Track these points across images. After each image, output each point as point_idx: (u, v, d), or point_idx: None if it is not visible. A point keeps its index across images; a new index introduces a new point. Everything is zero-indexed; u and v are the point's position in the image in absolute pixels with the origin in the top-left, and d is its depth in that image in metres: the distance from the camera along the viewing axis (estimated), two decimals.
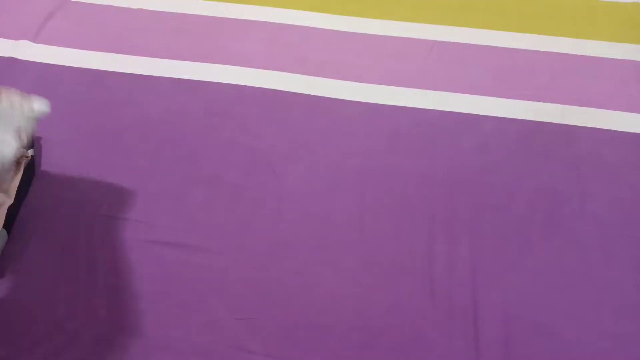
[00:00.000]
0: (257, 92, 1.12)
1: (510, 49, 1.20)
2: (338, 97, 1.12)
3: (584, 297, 0.86)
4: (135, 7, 1.28)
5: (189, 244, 0.91)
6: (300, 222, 0.94)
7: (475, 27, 1.25)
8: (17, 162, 0.93)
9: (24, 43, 1.20)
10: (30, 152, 0.98)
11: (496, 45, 1.21)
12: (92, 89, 1.13)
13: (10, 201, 0.91)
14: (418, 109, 1.10)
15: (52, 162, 1.02)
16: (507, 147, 1.04)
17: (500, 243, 0.92)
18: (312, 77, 1.15)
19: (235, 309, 0.86)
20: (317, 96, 1.12)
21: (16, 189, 0.92)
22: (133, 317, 0.85)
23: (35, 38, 1.21)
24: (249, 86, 1.13)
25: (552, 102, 1.10)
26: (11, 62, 1.16)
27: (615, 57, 1.18)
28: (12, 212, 0.92)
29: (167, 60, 1.18)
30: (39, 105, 0.86)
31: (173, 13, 1.27)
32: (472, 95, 1.12)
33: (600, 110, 1.09)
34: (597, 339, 0.82)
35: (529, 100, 1.11)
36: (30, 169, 0.97)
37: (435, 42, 1.22)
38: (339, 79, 1.15)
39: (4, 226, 0.89)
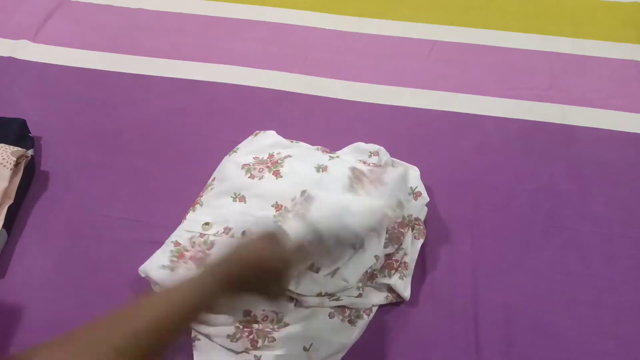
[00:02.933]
0: (257, 92, 1.12)
1: (510, 48, 1.20)
2: (338, 97, 1.12)
3: (585, 297, 0.86)
4: (135, 7, 1.28)
5: None
6: None
7: (475, 27, 1.25)
8: (17, 163, 0.93)
9: (24, 43, 1.20)
10: (30, 152, 0.98)
11: (496, 45, 1.21)
12: (92, 89, 1.13)
13: (10, 201, 0.91)
14: (418, 108, 1.10)
15: (52, 162, 1.02)
16: (507, 147, 1.04)
17: (500, 243, 0.91)
18: (312, 77, 1.15)
19: None
20: (317, 96, 1.12)
21: (16, 189, 0.92)
22: None
23: (35, 38, 1.21)
24: (249, 86, 1.13)
25: (552, 102, 1.10)
26: (10, 61, 1.16)
27: (615, 57, 1.18)
28: (12, 212, 0.92)
29: (167, 60, 1.18)
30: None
31: (173, 13, 1.27)
32: (472, 95, 1.12)
33: (600, 110, 1.09)
34: (597, 340, 0.82)
35: (529, 100, 1.11)
36: (30, 169, 0.97)
37: (435, 42, 1.22)
38: (339, 78, 1.15)
39: (4, 226, 0.89)
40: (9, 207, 0.90)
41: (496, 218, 0.94)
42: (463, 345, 0.81)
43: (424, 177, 0.95)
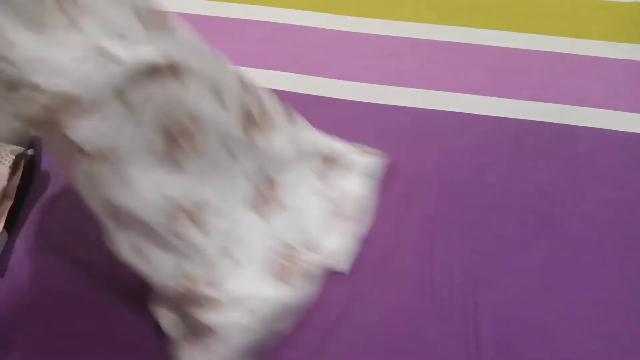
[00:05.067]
0: None
1: (509, 48, 1.20)
2: (337, 96, 1.12)
3: (580, 297, 0.86)
4: None
5: None
6: None
7: (475, 27, 1.25)
8: (17, 162, 0.93)
9: None
10: (30, 151, 0.98)
11: (496, 45, 1.21)
12: None
13: (11, 202, 0.91)
14: (417, 108, 1.10)
15: (52, 162, 1.01)
16: (507, 146, 1.04)
17: (499, 243, 0.92)
18: (312, 77, 1.15)
19: None
20: (317, 96, 1.12)
21: (16, 189, 0.92)
22: (133, 317, 0.85)
23: None
24: None
25: (551, 102, 1.10)
26: None
27: (615, 57, 1.18)
28: (13, 212, 0.92)
29: None
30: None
31: (172, 13, 1.27)
32: (472, 95, 1.12)
33: (599, 110, 1.09)
34: (593, 339, 0.82)
35: (528, 100, 1.11)
36: (30, 168, 0.97)
37: (435, 42, 1.22)
38: (339, 78, 1.15)
39: (5, 226, 0.89)
40: (10, 208, 0.90)
41: (494, 218, 0.94)
42: (461, 345, 0.82)
43: (423, 177, 0.95)
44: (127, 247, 0.76)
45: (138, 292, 0.86)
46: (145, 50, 0.69)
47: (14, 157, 0.92)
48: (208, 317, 0.77)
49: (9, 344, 0.82)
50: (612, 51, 1.20)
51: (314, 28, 1.24)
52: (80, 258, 0.91)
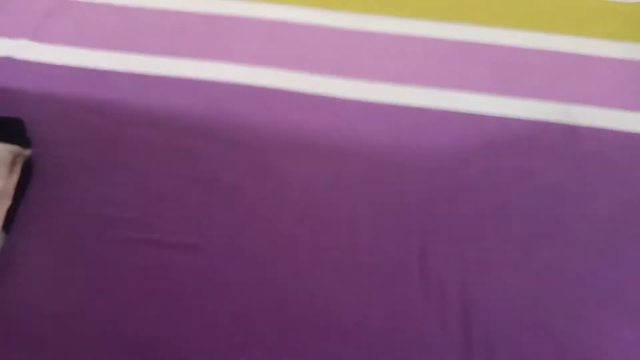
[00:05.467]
0: (257, 90, 1.12)
1: (512, 47, 1.20)
2: (338, 95, 1.11)
3: (586, 298, 0.85)
4: (135, 6, 1.28)
5: (187, 244, 0.91)
6: (299, 222, 0.94)
7: (477, 25, 1.24)
8: (15, 161, 0.93)
9: (23, 42, 1.19)
10: (28, 151, 0.98)
11: (498, 43, 1.21)
12: (91, 88, 1.13)
13: (9, 202, 0.91)
14: (419, 107, 1.09)
15: (51, 162, 1.01)
16: (509, 146, 1.04)
17: (501, 243, 0.91)
18: (313, 75, 1.15)
19: (234, 310, 0.86)
20: (318, 95, 1.11)
21: (14, 189, 0.92)
22: (132, 317, 0.85)
23: (34, 37, 1.21)
24: (248, 84, 1.13)
25: (554, 101, 1.10)
26: (9, 61, 1.16)
27: (618, 56, 1.18)
28: (11, 213, 0.92)
29: (166, 58, 1.18)
30: None
31: (173, 11, 1.27)
32: (474, 94, 1.12)
33: (602, 109, 1.09)
34: (598, 341, 0.82)
35: (531, 99, 1.11)
36: (28, 168, 0.97)
37: (437, 40, 1.21)
38: (340, 77, 1.15)
39: (3, 227, 0.89)
40: (8, 208, 0.90)
41: (497, 218, 0.94)
42: (461, 346, 0.81)
43: (424, 176, 0.95)
44: None
45: (138, 292, 0.86)
46: None
47: (12, 156, 0.92)
48: None
49: (10, 344, 0.82)
50: (616, 50, 1.19)
51: (315, 26, 1.24)
52: (80, 257, 0.91)
